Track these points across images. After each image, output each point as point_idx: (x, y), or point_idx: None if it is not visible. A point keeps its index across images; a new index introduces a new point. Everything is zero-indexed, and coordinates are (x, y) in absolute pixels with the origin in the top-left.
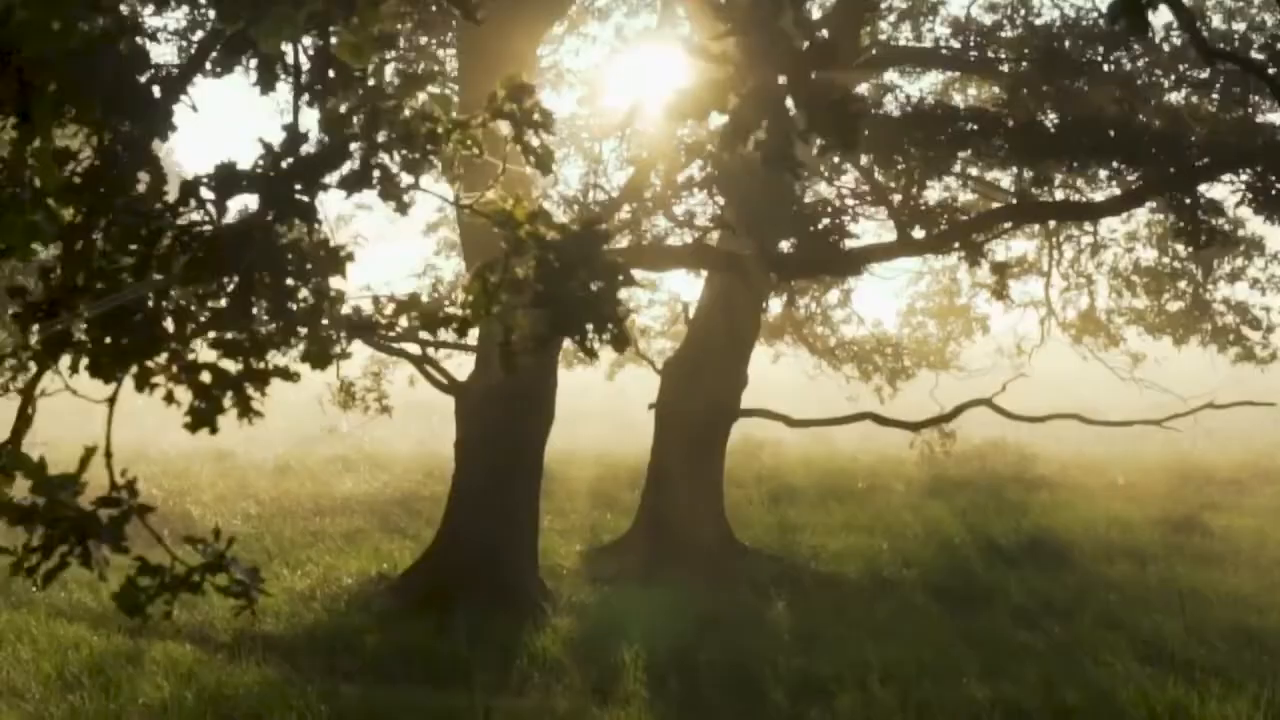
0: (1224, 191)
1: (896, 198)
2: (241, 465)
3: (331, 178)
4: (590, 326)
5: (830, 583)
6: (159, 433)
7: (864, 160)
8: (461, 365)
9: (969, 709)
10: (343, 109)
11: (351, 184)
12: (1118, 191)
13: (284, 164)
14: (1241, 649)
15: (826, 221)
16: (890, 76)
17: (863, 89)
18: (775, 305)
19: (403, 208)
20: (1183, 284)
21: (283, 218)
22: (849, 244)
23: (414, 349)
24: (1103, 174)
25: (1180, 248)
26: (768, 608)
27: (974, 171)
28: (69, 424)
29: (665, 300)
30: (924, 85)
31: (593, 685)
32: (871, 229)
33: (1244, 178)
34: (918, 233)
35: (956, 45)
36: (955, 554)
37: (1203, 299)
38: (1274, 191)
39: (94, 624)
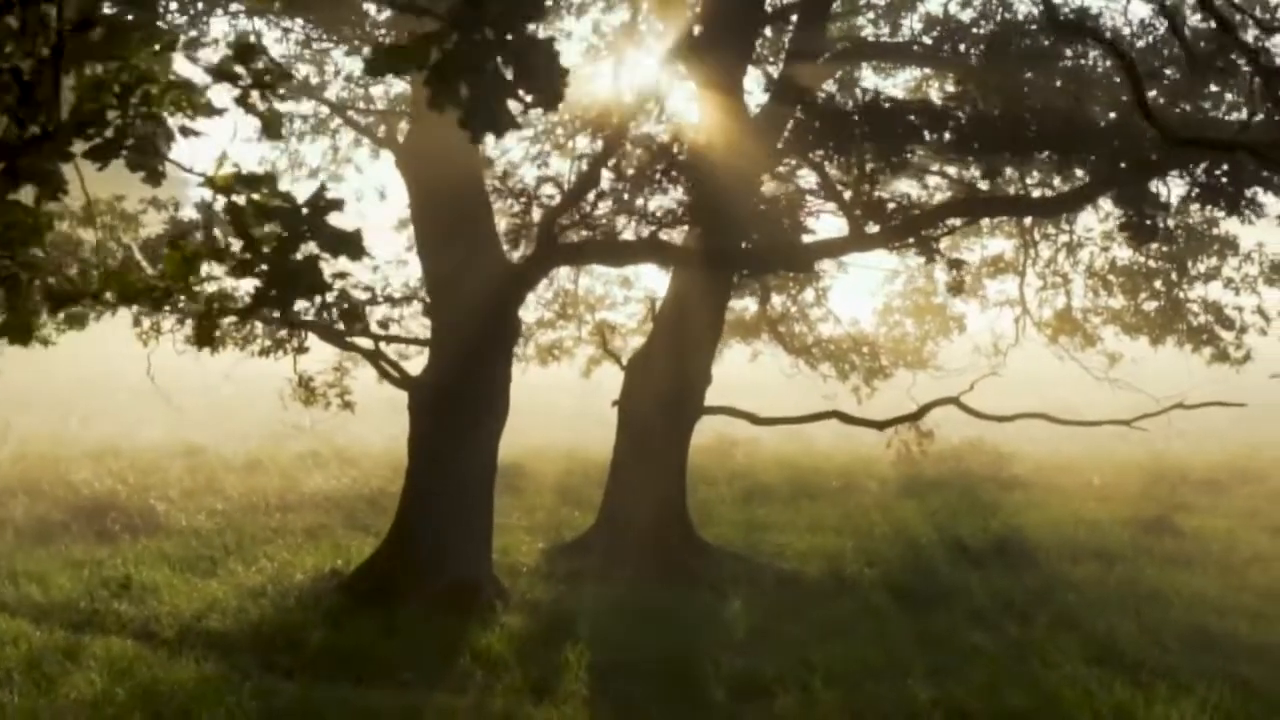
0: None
1: (848, 193)
2: (211, 461)
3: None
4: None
5: (790, 582)
6: (133, 428)
7: (816, 155)
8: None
9: (910, 710)
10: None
11: (101, 154)
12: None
13: (31, 131)
14: (1196, 651)
15: (786, 220)
16: (867, 73)
17: (830, 84)
18: (751, 303)
19: (154, 178)
20: (1158, 284)
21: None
22: (804, 239)
23: (366, 343)
24: (1049, 168)
25: (1153, 246)
26: (723, 606)
27: (942, 167)
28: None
29: (641, 298)
30: (898, 81)
31: (534, 684)
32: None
33: (1196, 173)
34: (871, 228)
35: (929, 41)
36: (920, 554)
37: (1177, 299)
38: (1219, 186)
39: (38, 619)
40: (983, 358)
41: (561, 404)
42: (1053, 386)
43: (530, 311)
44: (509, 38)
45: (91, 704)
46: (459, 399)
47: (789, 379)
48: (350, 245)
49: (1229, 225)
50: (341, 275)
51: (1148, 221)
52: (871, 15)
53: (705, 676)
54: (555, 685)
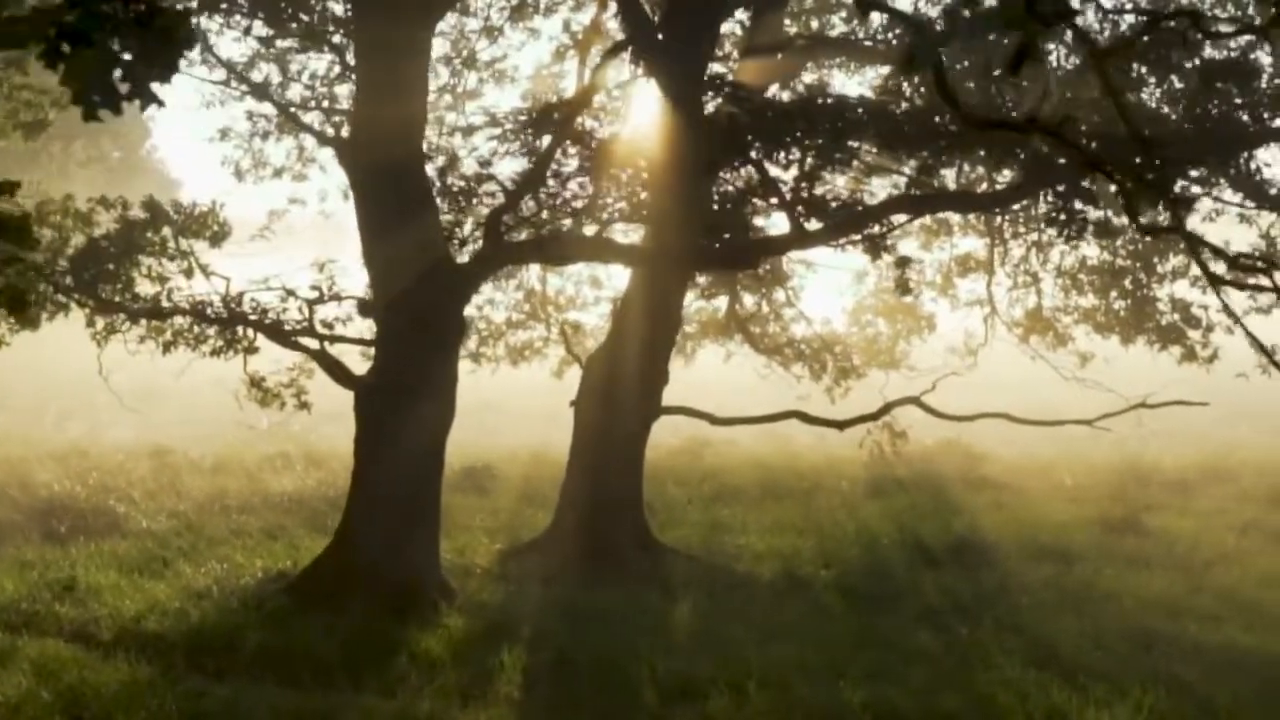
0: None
1: (789, 190)
2: (178, 462)
3: None
4: None
5: (743, 583)
6: (106, 430)
7: (756, 152)
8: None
9: (841, 712)
10: None
11: None
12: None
13: None
14: (1140, 653)
15: (732, 218)
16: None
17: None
18: (722, 303)
19: None
20: (1127, 282)
21: None
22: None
23: (313, 343)
24: (986, 163)
25: (1118, 244)
26: (671, 608)
27: (910, 167)
28: None
29: (611, 297)
30: (865, 79)
31: (465, 686)
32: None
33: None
34: (813, 225)
35: (891, 37)
36: (879, 554)
37: (1146, 297)
38: (1146, 182)
39: None
40: (957, 358)
41: (534, 405)
42: (1031, 387)
43: (499, 311)
44: (132, 10)
45: (14, 706)
46: (403, 399)
47: (763, 379)
48: (12, 232)
49: (1193, 223)
50: (9, 261)
51: (1076, 216)
52: (844, 13)
53: (640, 678)
54: (487, 688)
